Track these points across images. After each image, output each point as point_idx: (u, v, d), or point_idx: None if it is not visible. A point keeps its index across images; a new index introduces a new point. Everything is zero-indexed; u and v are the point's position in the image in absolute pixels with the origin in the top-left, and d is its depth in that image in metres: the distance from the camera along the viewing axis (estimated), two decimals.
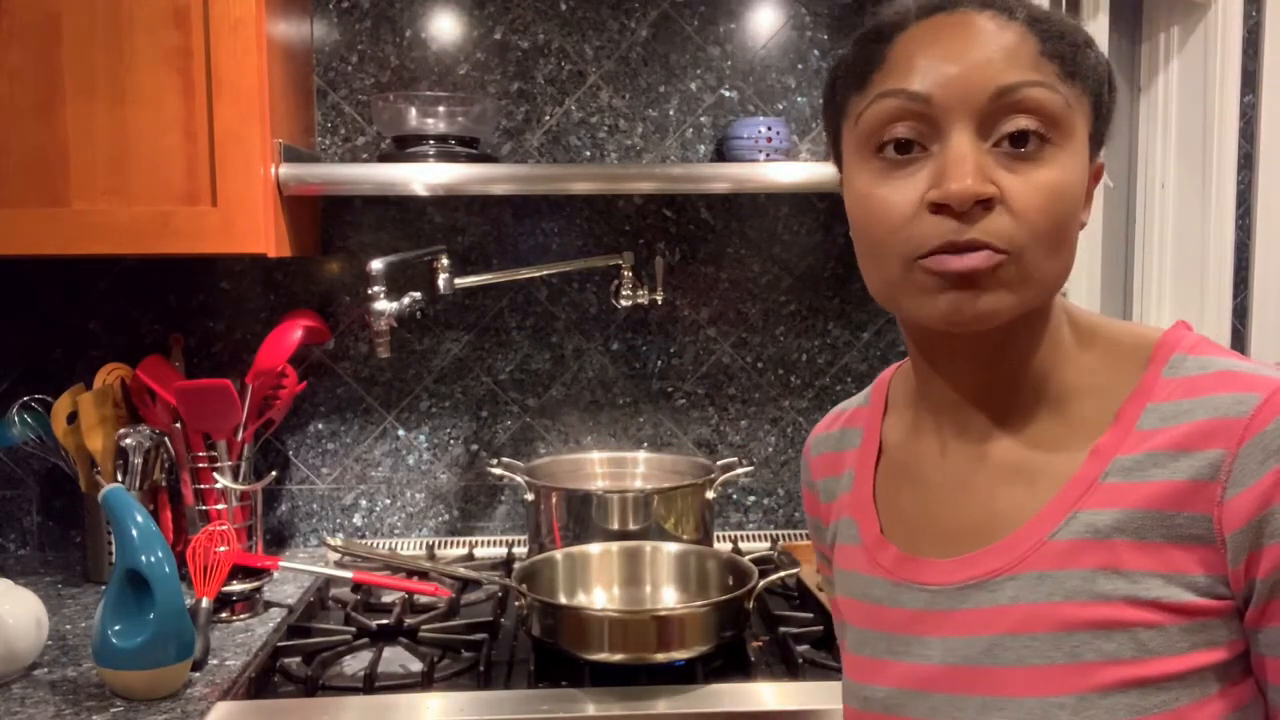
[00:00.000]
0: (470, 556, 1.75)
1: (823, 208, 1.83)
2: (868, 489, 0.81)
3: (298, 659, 1.33)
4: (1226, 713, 0.64)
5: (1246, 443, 0.63)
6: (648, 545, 1.50)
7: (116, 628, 1.19)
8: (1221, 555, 0.63)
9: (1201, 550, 0.64)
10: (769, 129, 1.67)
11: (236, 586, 1.49)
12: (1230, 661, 0.65)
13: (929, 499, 0.76)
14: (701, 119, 1.81)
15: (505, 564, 1.69)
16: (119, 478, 1.57)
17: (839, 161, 0.75)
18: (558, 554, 1.47)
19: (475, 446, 1.84)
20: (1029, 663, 0.66)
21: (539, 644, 1.29)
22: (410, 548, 1.81)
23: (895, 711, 0.73)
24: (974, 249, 0.64)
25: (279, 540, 1.83)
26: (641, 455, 1.80)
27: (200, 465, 1.61)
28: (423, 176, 1.58)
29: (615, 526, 1.56)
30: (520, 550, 1.73)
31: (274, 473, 1.71)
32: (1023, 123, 0.64)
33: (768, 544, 1.81)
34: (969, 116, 0.65)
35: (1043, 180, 0.65)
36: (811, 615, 1.43)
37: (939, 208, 0.65)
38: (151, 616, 1.18)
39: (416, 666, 1.30)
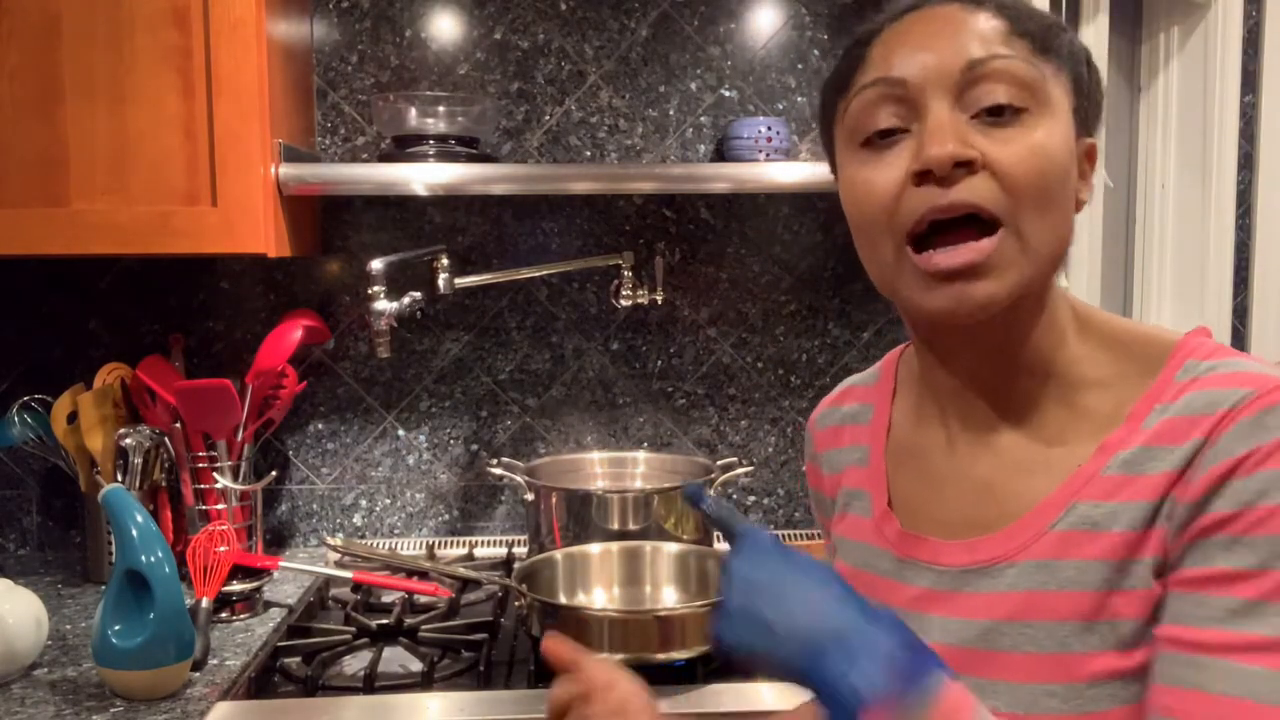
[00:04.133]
0: (470, 556, 1.75)
1: (823, 208, 1.83)
2: (880, 464, 0.82)
3: (298, 659, 1.33)
4: None
5: (1231, 424, 0.63)
6: (648, 545, 1.50)
7: (116, 628, 1.19)
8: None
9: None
10: (769, 129, 1.67)
11: (236, 586, 1.49)
12: None
13: (934, 485, 0.77)
14: (701, 119, 1.81)
15: (505, 564, 1.69)
16: (119, 478, 1.57)
17: (834, 167, 0.77)
18: (558, 554, 1.47)
19: (475, 446, 1.84)
20: (1024, 649, 0.68)
21: (539, 644, 1.29)
22: (410, 548, 1.81)
23: None
24: (958, 213, 0.66)
25: (279, 540, 1.83)
26: (641, 455, 1.80)
27: (200, 465, 1.61)
28: (423, 176, 1.58)
29: (615, 526, 1.56)
30: (520, 550, 1.73)
31: (274, 473, 1.71)
32: (997, 92, 0.67)
33: None
34: (945, 92, 0.67)
35: (1024, 142, 0.66)
36: None
37: (922, 177, 0.67)
38: (151, 616, 1.18)
39: (416, 666, 1.30)
